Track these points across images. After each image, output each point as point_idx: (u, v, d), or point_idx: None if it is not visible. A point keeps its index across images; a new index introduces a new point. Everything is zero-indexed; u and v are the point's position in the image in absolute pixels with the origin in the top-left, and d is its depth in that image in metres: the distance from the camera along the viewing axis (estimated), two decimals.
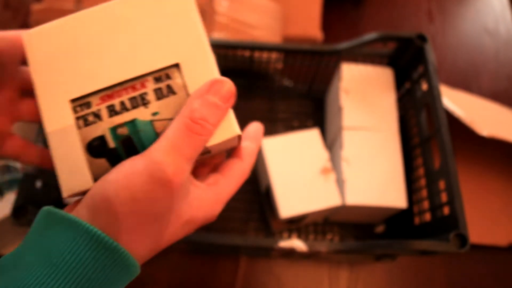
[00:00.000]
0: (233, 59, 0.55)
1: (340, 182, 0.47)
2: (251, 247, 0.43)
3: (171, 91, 0.24)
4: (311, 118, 0.60)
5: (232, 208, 0.53)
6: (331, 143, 0.53)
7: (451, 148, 0.41)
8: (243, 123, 0.60)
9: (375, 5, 0.75)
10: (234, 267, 0.51)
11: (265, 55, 0.54)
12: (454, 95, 0.57)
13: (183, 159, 0.22)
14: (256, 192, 0.54)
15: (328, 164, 0.48)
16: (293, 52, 0.53)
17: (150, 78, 0.24)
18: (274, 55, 0.55)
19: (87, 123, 0.24)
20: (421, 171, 0.47)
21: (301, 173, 0.47)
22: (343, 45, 0.51)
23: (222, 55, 0.54)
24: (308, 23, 0.65)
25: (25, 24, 0.67)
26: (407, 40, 0.49)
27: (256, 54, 0.54)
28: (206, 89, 0.23)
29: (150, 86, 0.24)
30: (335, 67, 0.55)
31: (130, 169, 0.21)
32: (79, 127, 0.24)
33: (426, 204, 0.45)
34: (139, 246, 0.22)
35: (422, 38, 0.48)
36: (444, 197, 0.41)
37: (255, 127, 0.30)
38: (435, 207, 0.43)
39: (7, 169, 0.51)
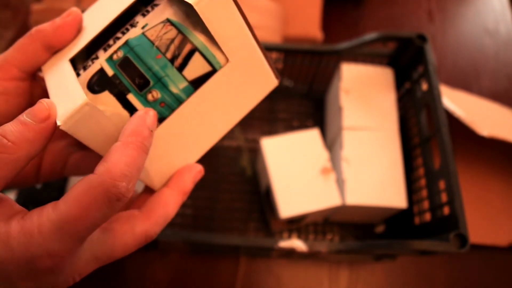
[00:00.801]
0: None
1: (340, 182, 0.47)
2: (251, 247, 0.43)
3: (155, 5, 0.24)
4: (311, 118, 0.60)
5: (232, 208, 0.54)
6: (331, 143, 0.53)
7: (451, 148, 0.41)
8: (243, 123, 0.60)
9: (375, 4, 0.75)
10: (234, 267, 0.51)
11: None
12: (454, 95, 0.57)
13: None
14: (256, 192, 0.54)
15: (328, 164, 0.48)
16: (293, 52, 0.53)
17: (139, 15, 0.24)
18: (274, 55, 0.55)
19: (86, 69, 0.23)
20: (421, 171, 0.47)
21: (301, 173, 0.47)
22: (343, 45, 0.51)
23: None
24: (308, 23, 0.65)
25: (25, 24, 0.67)
26: (407, 40, 0.49)
27: None
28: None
29: (139, 17, 0.24)
30: (335, 67, 0.55)
31: None
32: (79, 75, 0.23)
33: (426, 204, 0.45)
34: None
35: (422, 38, 0.48)
36: (444, 197, 0.41)
37: (186, 169, 0.26)
38: (435, 207, 0.43)
39: None
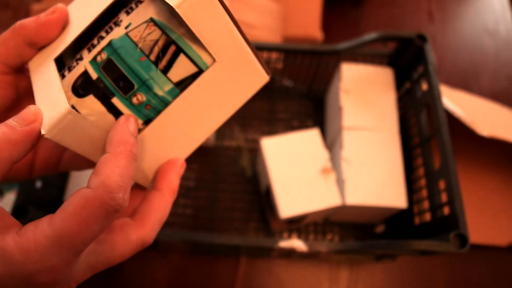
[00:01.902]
0: None
1: (340, 182, 0.47)
2: (251, 247, 0.43)
3: (139, 1, 0.23)
4: (311, 118, 0.60)
5: (232, 208, 0.54)
6: (331, 143, 0.53)
7: (451, 148, 0.41)
8: (243, 123, 0.60)
9: (375, 4, 0.75)
10: (234, 267, 0.51)
11: (265, 55, 0.54)
12: (454, 95, 0.57)
13: None
14: (256, 192, 0.54)
15: (328, 164, 0.48)
16: (293, 52, 0.53)
17: (122, 12, 0.24)
18: (274, 55, 0.55)
19: (70, 70, 0.23)
20: (421, 171, 0.47)
21: (301, 173, 0.47)
22: (343, 45, 0.51)
23: None
24: (308, 23, 0.65)
25: None
26: (407, 40, 0.49)
27: None
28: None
29: (123, 14, 0.23)
30: (335, 67, 0.55)
31: None
32: (63, 77, 0.23)
33: (426, 204, 0.45)
34: None
35: (422, 38, 0.48)
36: (444, 197, 0.41)
37: (169, 165, 0.26)
38: (435, 207, 0.43)
39: None
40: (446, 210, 0.40)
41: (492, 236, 0.53)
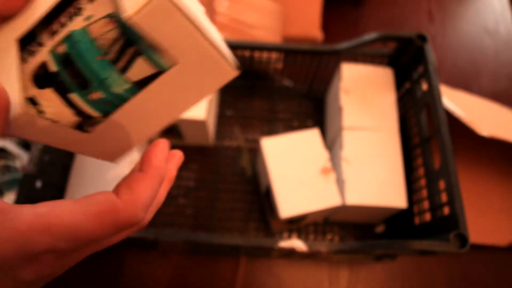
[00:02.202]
0: None
1: (340, 182, 0.47)
2: (251, 247, 0.43)
3: None
4: (311, 118, 0.60)
5: (232, 208, 0.54)
6: (331, 143, 0.53)
7: (451, 148, 0.41)
8: (243, 123, 0.60)
9: (375, 5, 0.75)
10: (234, 267, 0.51)
11: (265, 55, 0.54)
12: (454, 95, 0.57)
13: None
14: (256, 192, 0.54)
15: (328, 164, 0.48)
16: (293, 52, 0.53)
17: None
18: (274, 55, 0.55)
19: (31, 54, 0.22)
20: (421, 171, 0.47)
21: (301, 173, 0.47)
22: (343, 45, 0.51)
23: None
24: (308, 23, 0.65)
25: None
26: (407, 40, 0.49)
27: (256, 54, 0.54)
28: None
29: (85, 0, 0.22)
30: (335, 67, 0.55)
31: None
32: (24, 61, 0.22)
33: (426, 204, 0.45)
34: None
35: (422, 38, 0.48)
36: (444, 197, 0.41)
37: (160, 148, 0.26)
38: (435, 207, 0.43)
39: (7, 169, 0.51)
40: (446, 210, 0.40)
41: (492, 236, 0.53)
